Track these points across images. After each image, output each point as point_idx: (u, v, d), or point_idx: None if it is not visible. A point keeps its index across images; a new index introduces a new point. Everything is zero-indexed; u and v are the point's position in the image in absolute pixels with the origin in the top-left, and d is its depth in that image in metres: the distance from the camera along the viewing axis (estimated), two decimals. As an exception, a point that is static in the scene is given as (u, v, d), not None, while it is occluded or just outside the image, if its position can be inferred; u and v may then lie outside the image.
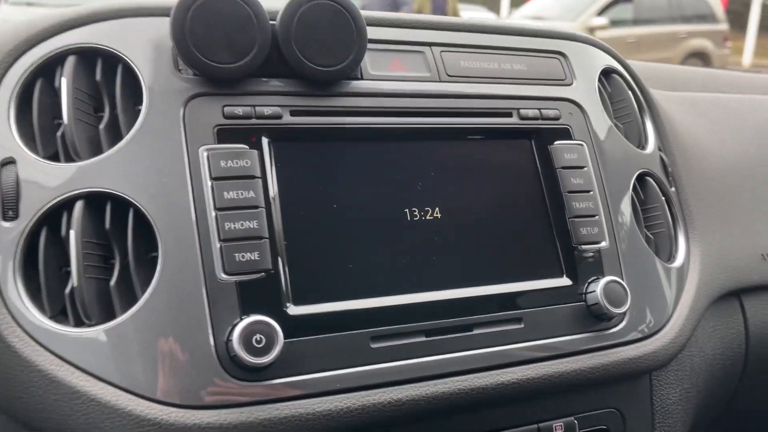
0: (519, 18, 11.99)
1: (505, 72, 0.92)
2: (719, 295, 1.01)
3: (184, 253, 0.69)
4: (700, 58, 11.21)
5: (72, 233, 0.67)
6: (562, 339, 0.83)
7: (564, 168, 0.88)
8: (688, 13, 11.31)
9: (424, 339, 0.76)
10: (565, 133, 0.91)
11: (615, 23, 10.78)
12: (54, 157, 0.71)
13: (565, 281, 0.85)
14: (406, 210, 0.80)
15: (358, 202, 0.79)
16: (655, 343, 0.88)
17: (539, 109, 0.91)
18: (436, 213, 0.82)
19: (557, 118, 0.91)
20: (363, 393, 0.72)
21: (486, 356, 0.78)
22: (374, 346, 0.74)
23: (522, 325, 0.81)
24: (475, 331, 0.79)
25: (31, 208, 0.68)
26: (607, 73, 1.02)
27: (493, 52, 0.92)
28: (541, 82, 0.94)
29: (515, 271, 0.83)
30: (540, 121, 0.90)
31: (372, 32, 0.85)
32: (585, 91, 0.96)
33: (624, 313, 0.85)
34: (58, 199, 0.68)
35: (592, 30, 10.42)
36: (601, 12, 10.71)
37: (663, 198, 0.98)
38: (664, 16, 10.56)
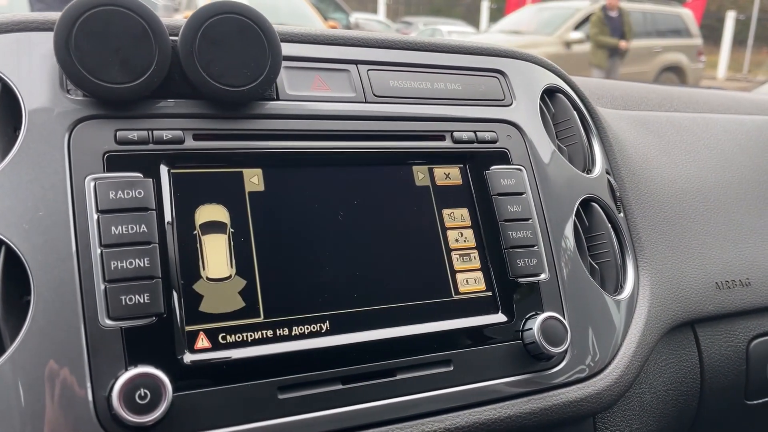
0: (496, 32, 12.06)
1: (438, 92, 0.86)
2: (671, 327, 0.95)
3: (62, 296, 0.61)
4: (675, 72, 11.34)
5: None
6: (496, 382, 0.76)
7: (500, 195, 0.82)
8: (663, 27, 11.45)
9: (339, 387, 0.69)
10: (503, 157, 0.85)
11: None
12: None
13: (500, 318, 0.79)
14: (321, 242, 0.74)
15: (267, 235, 0.72)
16: (598, 383, 0.81)
17: (474, 131, 0.85)
18: (354, 245, 0.75)
19: (494, 141, 0.85)
20: None
21: (410, 404, 0.71)
22: (282, 396, 0.67)
23: (451, 368, 0.74)
24: (398, 376, 0.72)
25: None
26: (550, 92, 0.96)
27: (425, 70, 0.86)
28: (478, 102, 0.88)
29: (444, 308, 0.77)
30: (475, 145, 0.84)
31: (290, 49, 0.79)
32: (525, 111, 0.90)
33: (564, 352, 0.79)
34: None
35: (569, 44, 10.50)
36: (578, 26, 10.79)
37: (609, 225, 0.92)
38: (639, 31, 10.67)
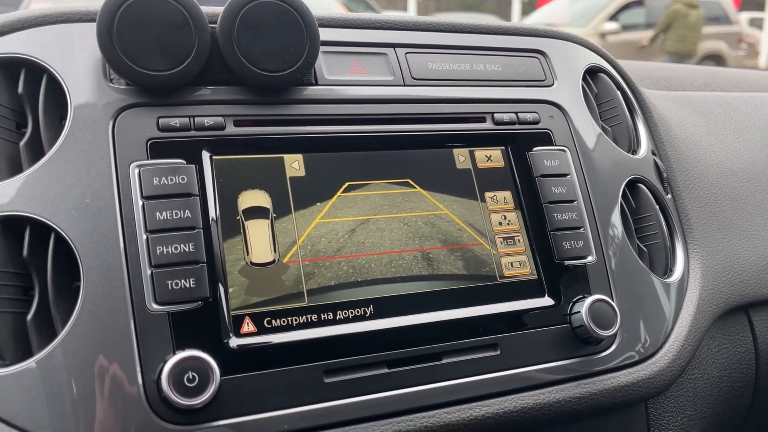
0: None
1: (478, 73, 0.84)
2: (724, 311, 0.92)
3: (110, 281, 0.62)
4: (715, 60, 11.04)
5: None
6: (543, 366, 0.74)
7: (544, 176, 0.80)
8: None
9: (385, 371, 0.68)
10: (546, 138, 0.83)
11: (627, 27, 10.66)
12: None
13: (546, 301, 0.77)
14: (363, 226, 0.73)
15: (308, 220, 0.71)
16: (650, 368, 0.79)
17: (516, 113, 0.83)
18: (395, 229, 0.74)
19: (536, 122, 0.84)
20: None
21: (456, 388, 0.70)
22: (328, 380, 0.66)
23: (498, 352, 0.73)
24: (444, 360, 0.71)
25: None
26: (592, 73, 0.94)
27: (463, 52, 0.85)
28: (518, 83, 0.86)
29: (489, 292, 0.75)
30: (517, 126, 0.82)
31: (328, 33, 0.78)
32: (568, 92, 0.88)
33: (613, 336, 0.77)
34: None
35: (604, 35, 10.31)
36: (613, 17, 10.59)
37: (657, 206, 0.89)
38: (676, 20, 10.41)
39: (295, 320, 0.68)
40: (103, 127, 0.66)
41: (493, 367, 0.72)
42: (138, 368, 0.61)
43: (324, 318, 0.69)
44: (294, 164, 0.73)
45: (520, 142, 0.82)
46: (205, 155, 0.69)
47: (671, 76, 1.20)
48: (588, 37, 0.98)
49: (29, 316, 0.61)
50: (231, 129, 0.71)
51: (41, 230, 0.63)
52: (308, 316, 0.68)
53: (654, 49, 9.57)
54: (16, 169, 0.65)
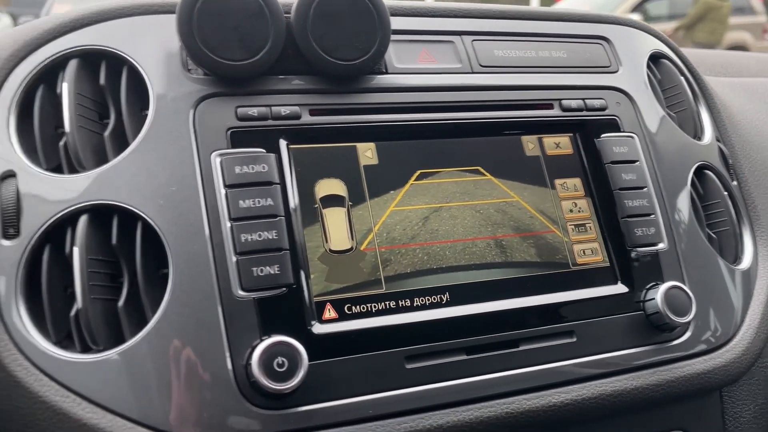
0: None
1: (544, 60, 0.84)
2: (793, 299, 0.90)
3: (197, 268, 0.63)
4: (740, 50, 10.87)
5: (76, 250, 0.61)
6: (619, 353, 0.74)
7: (614, 163, 0.80)
8: (725, 6, 10.99)
9: (464, 357, 0.69)
10: (613, 125, 0.83)
11: (649, 19, 10.54)
12: (57, 169, 0.66)
13: (620, 288, 0.76)
14: (436, 214, 0.73)
15: (383, 208, 0.71)
16: (725, 355, 0.78)
17: (583, 99, 0.82)
18: (468, 216, 0.74)
19: (603, 109, 0.83)
20: (398, 420, 0.64)
21: (534, 375, 0.70)
22: (409, 366, 0.66)
23: (574, 339, 0.73)
24: (522, 347, 0.71)
25: (32, 225, 0.62)
26: (655, 59, 0.93)
27: (529, 39, 0.85)
28: (584, 70, 0.85)
29: (562, 279, 0.75)
30: (584, 113, 0.82)
31: (397, 23, 0.78)
32: (632, 78, 0.87)
33: (688, 323, 0.76)
34: (61, 213, 0.63)
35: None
36: (635, 8, 10.47)
37: (725, 193, 0.88)
38: (700, 11, 10.27)
39: (374, 307, 0.68)
40: (184, 117, 0.67)
41: (570, 354, 0.72)
42: (227, 354, 0.61)
43: (402, 305, 0.69)
44: (367, 153, 0.73)
45: (588, 129, 0.81)
46: (283, 144, 0.69)
47: (726, 63, 1.18)
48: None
49: (120, 303, 0.62)
50: (306, 118, 0.71)
51: (128, 219, 0.64)
52: (386, 302, 0.69)
53: (676, 39, 9.46)
54: (101, 159, 0.66)
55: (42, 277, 0.62)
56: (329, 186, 0.71)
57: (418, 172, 0.75)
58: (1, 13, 9.58)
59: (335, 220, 0.70)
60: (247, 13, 0.68)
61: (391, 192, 0.73)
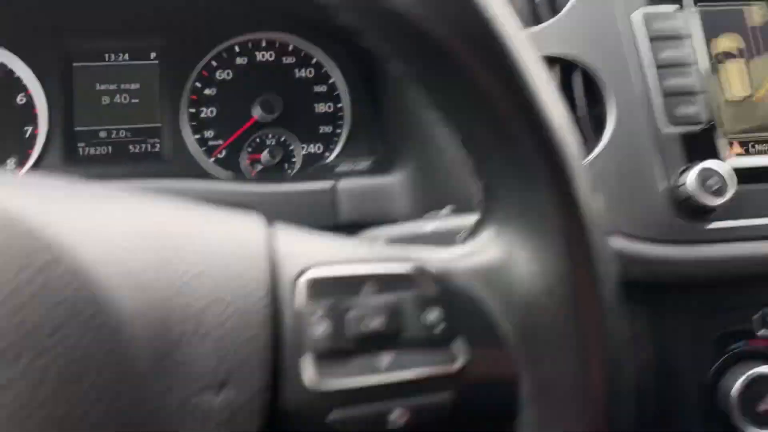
0: None
1: None
2: None
3: (633, 108, 0.75)
4: None
5: None
6: None
7: None
8: None
9: None
10: None
11: None
12: None
13: None
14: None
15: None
16: None
17: None
18: None
19: None
20: None
21: None
22: None
23: None
24: None
25: None
26: None
27: None
28: None
29: None
30: None
31: None
32: None
33: None
34: None
35: None
36: None
37: None
38: None
39: (770, 147, 0.77)
40: (610, -17, 0.78)
41: None
42: (661, 177, 0.74)
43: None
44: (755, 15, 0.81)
45: None
46: (689, 2, 0.79)
47: None
48: None
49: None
50: (705, -18, 0.80)
51: (566, 68, 0.77)
52: (782, 143, 0.77)
53: None
54: (535, 19, 0.79)
55: None
56: (727, 41, 0.79)
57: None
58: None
59: (734, 71, 0.79)
60: None
61: (778, 48, 0.80)
